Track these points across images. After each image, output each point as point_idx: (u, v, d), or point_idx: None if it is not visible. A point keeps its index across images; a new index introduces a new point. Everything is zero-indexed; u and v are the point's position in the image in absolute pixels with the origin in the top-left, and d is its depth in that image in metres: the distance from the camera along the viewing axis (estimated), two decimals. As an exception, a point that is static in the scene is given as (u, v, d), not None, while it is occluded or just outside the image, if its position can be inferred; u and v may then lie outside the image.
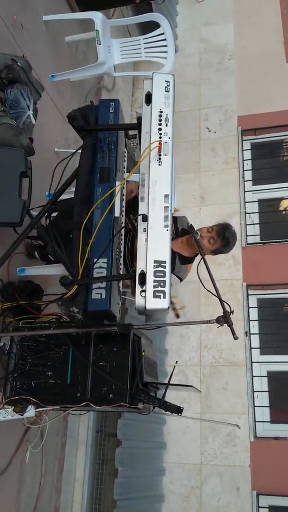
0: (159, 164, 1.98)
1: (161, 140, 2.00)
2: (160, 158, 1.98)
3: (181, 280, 2.71)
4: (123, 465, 3.60)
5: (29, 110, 2.71)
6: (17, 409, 2.25)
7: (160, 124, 2.03)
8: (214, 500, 4.13)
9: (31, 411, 2.31)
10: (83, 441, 3.99)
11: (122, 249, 2.29)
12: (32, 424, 2.84)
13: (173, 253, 2.58)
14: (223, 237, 2.58)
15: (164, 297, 1.81)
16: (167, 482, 4.26)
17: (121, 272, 2.25)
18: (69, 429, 3.77)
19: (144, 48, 3.91)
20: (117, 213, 2.16)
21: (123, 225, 2.26)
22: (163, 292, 1.81)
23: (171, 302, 2.49)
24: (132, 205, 2.36)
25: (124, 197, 2.32)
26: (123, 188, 2.31)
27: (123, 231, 2.30)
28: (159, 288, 1.81)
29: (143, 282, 1.82)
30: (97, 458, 4.01)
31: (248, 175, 5.22)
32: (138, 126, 2.12)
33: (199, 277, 2.18)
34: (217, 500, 4.12)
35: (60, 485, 3.61)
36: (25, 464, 3.00)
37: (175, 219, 2.74)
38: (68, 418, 3.70)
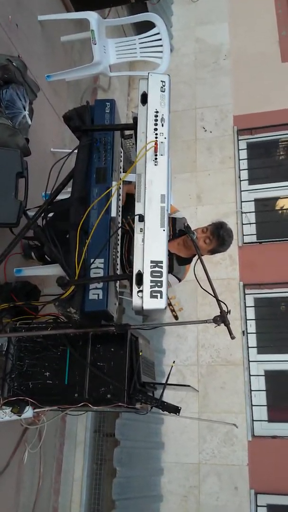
0: (155, 164, 1.97)
1: (157, 140, 1.99)
2: (156, 158, 1.98)
3: (179, 280, 2.72)
4: (121, 465, 3.60)
5: (24, 110, 2.70)
6: (14, 410, 2.24)
7: (156, 124, 2.03)
8: (212, 499, 4.13)
9: (29, 412, 2.30)
10: (81, 441, 3.99)
11: (119, 249, 2.29)
12: (30, 425, 2.84)
13: (170, 255, 2.58)
14: (218, 236, 2.59)
15: (161, 297, 1.81)
16: (165, 482, 4.26)
17: (118, 272, 2.25)
18: (67, 430, 3.77)
19: (140, 48, 3.92)
20: (113, 213, 2.16)
21: (119, 225, 2.26)
22: (160, 292, 1.81)
23: (170, 304, 2.49)
24: (129, 206, 2.35)
25: (121, 197, 2.31)
26: (120, 188, 2.31)
27: (120, 232, 2.30)
28: (156, 288, 1.81)
29: (140, 282, 1.82)
30: (95, 458, 4.01)
31: (244, 174, 5.23)
32: (134, 126, 2.11)
33: (196, 276, 2.18)
34: (216, 499, 4.13)
35: (58, 485, 3.61)
36: (23, 465, 3.00)
37: (173, 221, 2.74)
38: (66, 418, 3.70)
